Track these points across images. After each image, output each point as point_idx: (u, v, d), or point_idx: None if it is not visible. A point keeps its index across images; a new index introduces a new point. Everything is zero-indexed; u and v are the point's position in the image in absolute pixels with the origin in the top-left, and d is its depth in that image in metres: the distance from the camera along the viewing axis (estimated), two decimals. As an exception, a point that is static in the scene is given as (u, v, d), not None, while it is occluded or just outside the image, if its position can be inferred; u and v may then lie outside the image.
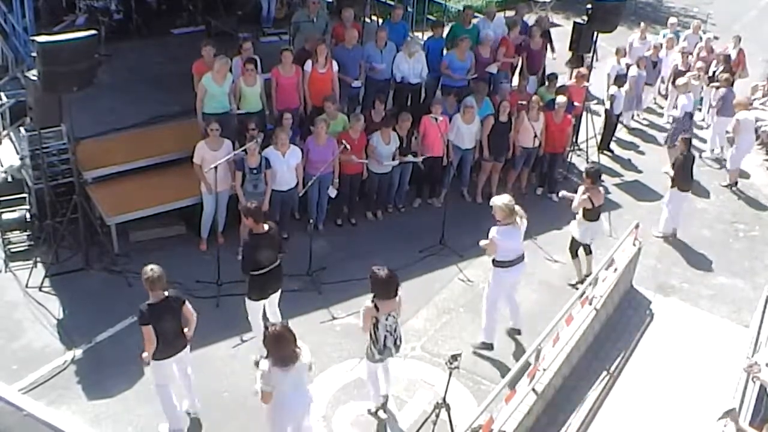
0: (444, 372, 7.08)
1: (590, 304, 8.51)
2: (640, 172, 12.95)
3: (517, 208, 8.09)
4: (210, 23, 13.57)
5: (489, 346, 8.51)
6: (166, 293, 6.70)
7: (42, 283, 8.91)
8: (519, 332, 8.75)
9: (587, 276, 9.68)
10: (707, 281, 10.26)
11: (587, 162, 12.90)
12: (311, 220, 9.56)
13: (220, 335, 8.30)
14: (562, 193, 9.89)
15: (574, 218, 9.63)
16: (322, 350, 8.31)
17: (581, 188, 9.41)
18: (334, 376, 8.06)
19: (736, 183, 12.85)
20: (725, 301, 9.88)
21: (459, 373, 7.67)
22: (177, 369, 7.01)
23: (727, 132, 13.05)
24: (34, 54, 8.09)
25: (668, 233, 11.03)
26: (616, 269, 8.98)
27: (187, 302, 6.89)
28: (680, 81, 12.93)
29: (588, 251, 9.74)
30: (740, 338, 8.65)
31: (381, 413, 7.63)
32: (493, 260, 8.20)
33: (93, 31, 8.48)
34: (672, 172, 10.72)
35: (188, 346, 6.98)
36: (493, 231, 8.05)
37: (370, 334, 7.10)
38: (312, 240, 9.41)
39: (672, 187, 10.82)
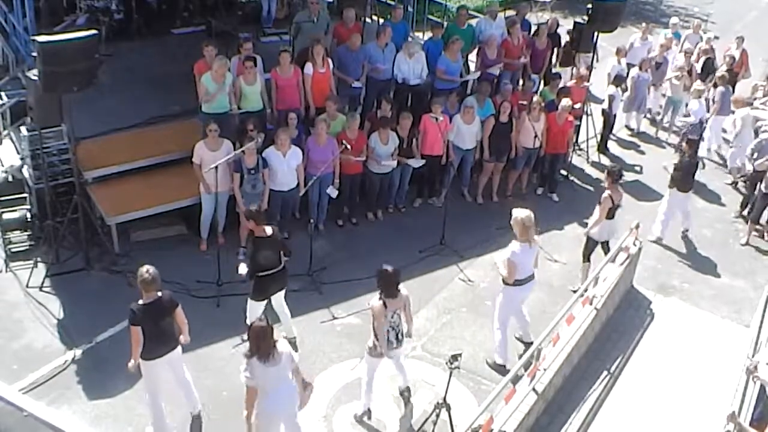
0: (444, 372, 7.08)
1: (591, 303, 8.51)
2: (640, 172, 12.94)
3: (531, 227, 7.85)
4: (210, 23, 13.56)
5: (503, 368, 8.22)
6: (159, 294, 6.69)
7: (42, 283, 8.91)
8: (529, 345, 8.30)
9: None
10: (708, 281, 10.26)
11: (587, 162, 12.93)
12: (311, 220, 9.56)
13: (221, 335, 8.30)
14: (587, 231, 9.55)
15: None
16: (322, 350, 8.31)
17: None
18: (334, 376, 8.06)
19: (737, 183, 12.85)
20: (726, 301, 9.88)
21: (459, 373, 7.67)
22: (171, 372, 6.98)
23: (723, 130, 13.06)
24: (34, 54, 8.09)
25: (662, 237, 10.98)
26: (622, 263, 8.97)
27: (180, 307, 6.84)
28: (695, 86, 12.91)
29: (606, 249, 9.54)
30: (740, 338, 8.65)
31: (366, 418, 7.58)
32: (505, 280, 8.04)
33: (93, 31, 8.48)
34: (671, 170, 10.75)
35: (179, 348, 6.94)
36: (511, 248, 7.87)
37: (374, 332, 7.12)
38: (312, 240, 9.41)
39: (671, 187, 10.81)
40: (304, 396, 6.50)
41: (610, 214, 9.39)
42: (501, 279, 8.08)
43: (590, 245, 9.58)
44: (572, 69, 13.44)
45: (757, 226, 11.19)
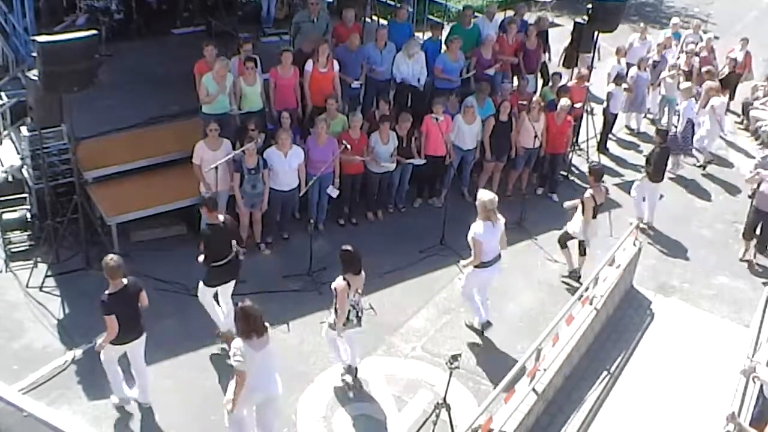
0: (444, 372, 7.08)
1: (590, 304, 8.52)
2: (639, 171, 12.92)
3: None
4: (210, 23, 13.57)
5: (488, 324, 8.65)
6: (125, 281, 6.83)
7: (42, 283, 8.91)
8: (490, 324, 8.67)
9: (575, 271, 9.86)
10: (708, 281, 10.26)
11: (588, 162, 12.91)
12: (311, 220, 9.56)
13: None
14: (566, 204, 9.87)
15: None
16: (322, 350, 8.31)
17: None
18: (334, 376, 8.05)
19: (705, 166, 13.27)
20: (726, 301, 9.88)
21: (459, 373, 7.67)
22: (130, 356, 7.15)
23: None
24: (34, 54, 8.09)
25: (642, 218, 11.22)
26: (618, 266, 8.98)
27: (144, 290, 7.02)
28: (683, 86, 12.96)
29: (582, 252, 9.76)
30: (740, 338, 8.66)
31: (348, 378, 7.85)
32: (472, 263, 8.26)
33: (93, 31, 8.48)
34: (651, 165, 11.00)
35: (144, 335, 7.08)
36: (474, 229, 8.12)
37: (335, 308, 7.32)
38: (312, 240, 9.41)
39: (644, 177, 11.16)
40: None
41: (593, 214, 9.45)
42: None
43: (565, 236, 9.77)
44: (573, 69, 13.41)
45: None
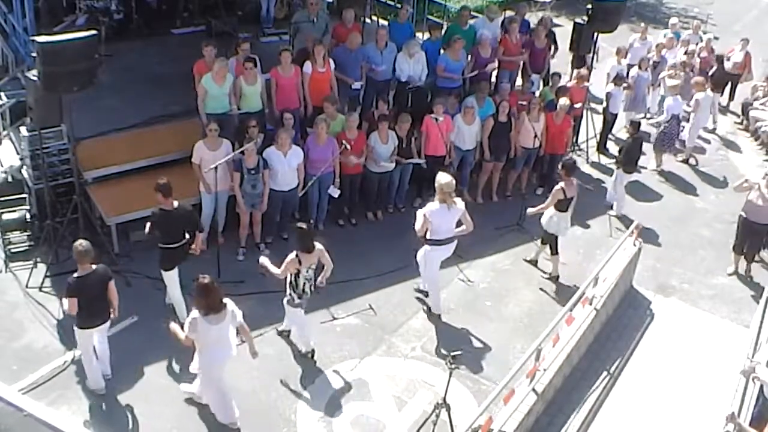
0: (444, 372, 7.08)
1: (590, 304, 8.52)
2: (639, 171, 12.92)
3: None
4: (210, 23, 13.56)
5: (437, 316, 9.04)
6: (94, 267, 7.05)
7: (42, 283, 8.90)
8: (427, 294, 9.16)
9: (535, 261, 10.09)
10: (707, 281, 10.26)
11: (587, 162, 12.93)
12: (311, 220, 9.55)
13: (220, 335, 8.29)
14: (530, 210, 9.84)
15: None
16: (322, 350, 8.31)
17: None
18: (334, 376, 8.06)
19: (688, 160, 13.37)
20: (725, 302, 9.88)
21: (459, 373, 7.68)
22: (97, 340, 7.44)
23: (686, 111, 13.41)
24: (34, 54, 8.09)
25: (621, 212, 11.42)
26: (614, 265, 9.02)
27: (113, 281, 7.26)
28: (670, 83, 13.03)
29: (554, 251, 9.79)
30: (740, 338, 8.66)
31: (310, 355, 8.19)
32: (425, 238, 8.54)
33: (93, 32, 8.47)
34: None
35: (109, 322, 7.39)
36: (429, 207, 8.39)
37: (291, 283, 7.68)
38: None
39: (618, 168, 11.37)
40: (251, 344, 7.10)
41: (563, 207, 9.53)
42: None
43: (548, 238, 9.78)
44: (572, 68, 13.37)
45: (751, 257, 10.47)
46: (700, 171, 13.25)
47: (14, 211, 9.72)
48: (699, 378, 8.25)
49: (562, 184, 9.45)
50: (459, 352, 6.73)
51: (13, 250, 9.46)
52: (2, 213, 9.64)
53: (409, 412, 7.70)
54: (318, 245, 7.68)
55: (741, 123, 15.20)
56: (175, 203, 8.04)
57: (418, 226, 8.41)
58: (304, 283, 7.68)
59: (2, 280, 9.05)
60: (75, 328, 7.25)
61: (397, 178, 10.73)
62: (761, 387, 6.94)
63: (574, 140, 12.88)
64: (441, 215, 8.35)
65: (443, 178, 8.38)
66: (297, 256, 7.54)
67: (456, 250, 10.08)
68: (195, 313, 6.64)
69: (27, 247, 9.52)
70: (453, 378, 6.88)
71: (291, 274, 7.65)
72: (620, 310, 9.26)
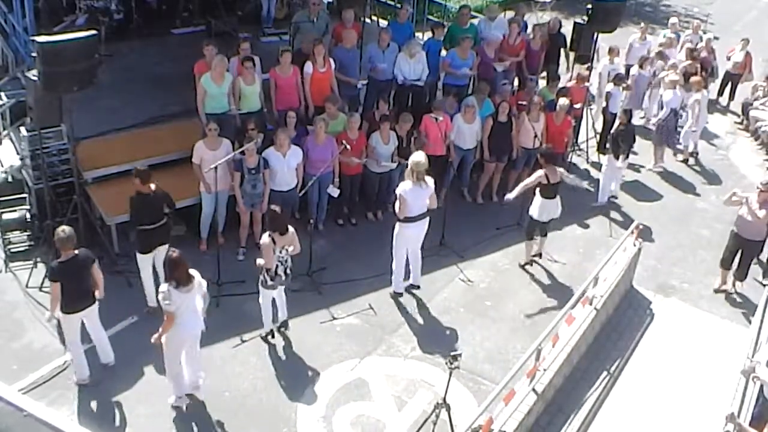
0: (444, 372, 7.08)
1: (590, 304, 8.52)
2: (639, 171, 12.94)
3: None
4: (210, 23, 13.56)
5: (398, 295, 9.27)
6: (76, 252, 7.15)
7: (42, 283, 8.88)
8: (417, 287, 9.36)
9: (536, 256, 10.13)
10: (707, 281, 10.25)
11: (587, 162, 12.93)
12: (311, 220, 9.56)
13: (220, 335, 8.30)
14: (507, 196, 9.94)
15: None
16: (322, 350, 8.32)
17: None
18: (333, 376, 8.06)
19: (688, 160, 13.35)
20: (725, 301, 9.87)
21: (459, 373, 7.68)
22: (88, 325, 7.56)
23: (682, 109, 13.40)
24: (34, 54, 8.08)
25: (604, 203, 11.47)
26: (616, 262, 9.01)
27: (96, 262, 7.38)
28: (669, 78, 13.01)
29: (543, 233, 10.01)
30: (740, 338, 8.66)
31: (270, 338, 8.39)
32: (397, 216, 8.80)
33: (93, 31, 8.47)
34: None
35: (96, 305, 7.44)
36: (403, 186, 8.67)
37: (263, 267, 7.84)
38: (312, 240, 9.41)
39: (608, 154, 11.40)
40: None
41: (550, 194, 9.63)
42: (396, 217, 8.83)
43: (531, 224, 9.89)
44: (572, 68, 13.37)
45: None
46: (700, 171, 13.25)
47: (14, 211, 9.72)
48: (699, 378, 8.25)
49: (544, 170, 9.57)
50: (459, 352, 6.73)
51: (13, 250, 9.46)
52: (2, 213, 9.65)
53: (409, 412, 7.70)
54: (291, 228, 7.93)
55: (741, 123, 15.21)
56: (152, 186, 8.22)
57: (398, 207, 8.71)
58: (277, 266, 7.84)
59: (2, 280, 9.05)
60: (60, 314, 7.29)
61: (397, 179, 10.71)
62: (761, 387, 6.94)
63: (574, 140, 12.87)
64: (415, 193, 8.65)
65: (417, 156, 8.74)
66: (270, 236, 7.74)
67: (456, 249, 10.16)
68: (164, 286, 6.89)
69: (27, 247, 9.52)
70: (453, 378, 6.88)
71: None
72: (620, 310, 9.25)
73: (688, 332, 9.02)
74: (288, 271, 8.02)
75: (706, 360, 8.53)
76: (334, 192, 9.87)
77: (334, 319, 8.85)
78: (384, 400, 7.84)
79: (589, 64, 13.05)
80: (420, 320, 9.01)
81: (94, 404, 7.47)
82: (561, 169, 9.85)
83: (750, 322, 8.92)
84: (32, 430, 4.63)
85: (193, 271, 7.03)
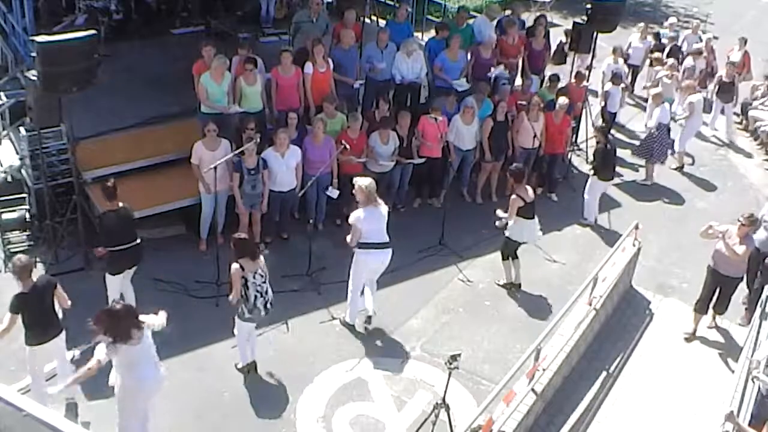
0: (444, 372, 7.08)
1: (590, 304, 8.52)
2: (637, 171, 12.93)
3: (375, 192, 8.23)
4: (210, 23, 13.56)
5: (350, 326, 8.69)
6: (35, 279, 6.86)
7: (42, 283, 8.88)
8: (370, 319, 8.67)
9: (514, 283, 9.57)
10: (707, 281, 10.24)
11: (587, 162, 12.91)
12: (311, 221, 9.56)
13: (220, 335, 8.28)
14: (498, 214, 9.39)
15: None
16: (321, 350, 8.32)
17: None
18: (333, 376, 8.06)
19: (683, 166, 13.13)
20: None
21: (458, 374, 7.67)
22: (57, 356, 7.19)
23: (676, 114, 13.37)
24: (33, 54, 8.08)
25: (591, 221, 11.12)
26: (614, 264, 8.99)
27: (59, 286, 7.04)
28: (653, 92, 12.74)
29: (515, 256, 9.49)
30: (740, 338, 8.66)
31: (247, 373, 7.93)
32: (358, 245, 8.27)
33: (93, 31, 8.48)
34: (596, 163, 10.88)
35: (63, 333, 7.10)
36: (356, 215, 8.13)
37: (242, 295, 7.28)
38: (311, 240, 9.41)
39: (593, 175, 10.96)
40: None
41: (529, 214, 9.22)
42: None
43: (510, 246, 9.45)
44: (572, 67, 13.36)
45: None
46: (700, 171, 13.24)
47: (14, 210, 9.72)
48: (698, 378, 8.25)
49: (516, 192, 9.13)
50: (458, 352, 6.73)
51: (12, 250, 9.45)
52: (2, 213, 9.65)
53: (409, 412, 7.70)
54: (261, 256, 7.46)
55: (740, 123, 15.20)
56: (120, 204, 8.01)
57: (350, 236, 8.16)
58: (255, 297, 7.29)
59: (2, 280, 9.03)
60: (26, 347, 6.98)
61: (397, 179, 10.72)
62: (760, 387, 6.94)
63: (573, 140, 12.87)
64: (371, 218, 8.12)
65: (364, 181, 8.22)
66: (238, 263, 7.23)
67: (455, 249, 10.15)
68: (106, 339, 6.21)
69: (27, 247, 9.51)
70: (452, 378, 6.88)
71: (242, 287, 7.27)
72: (620, 311, 9.26)
73: (688, 332, 9.01)
74: (268, 306, 7.43)
75: (705, 360, 8.53)
76: (334, 193, 9.86)
77: (333, 319, 8.85)
78: (383, 400, 7.84)
79: (589, 63, 13.06)
80: (420, 320, 9.01)
81: (94, 404, 7.45)
82: (530, 189, 9.40)
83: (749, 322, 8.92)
84: (32, 430, 4.63)
85: (146, 318, 6.40)
